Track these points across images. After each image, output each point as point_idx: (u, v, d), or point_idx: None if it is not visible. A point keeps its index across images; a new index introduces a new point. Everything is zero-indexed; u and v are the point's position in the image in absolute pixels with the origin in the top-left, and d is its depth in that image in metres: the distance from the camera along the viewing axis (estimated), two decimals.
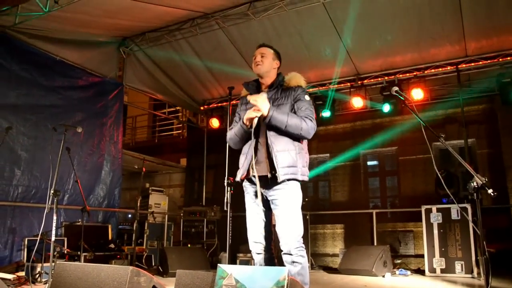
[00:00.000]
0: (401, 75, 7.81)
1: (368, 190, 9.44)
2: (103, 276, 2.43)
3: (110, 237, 7.09)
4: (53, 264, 4.39)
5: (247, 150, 3.02)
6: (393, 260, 7.07)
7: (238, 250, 8.08)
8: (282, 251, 2.84)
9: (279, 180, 2.83)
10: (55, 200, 4.46)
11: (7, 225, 5.95)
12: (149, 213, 7.92)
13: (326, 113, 8.29)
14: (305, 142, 3.08)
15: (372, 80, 8.11)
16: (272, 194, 2.92)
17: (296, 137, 2.95)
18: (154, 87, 8.89)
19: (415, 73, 7.72)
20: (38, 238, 4.81)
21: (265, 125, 2.94)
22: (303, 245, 2.86)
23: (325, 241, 8.93)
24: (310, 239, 8.06)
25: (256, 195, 2.94)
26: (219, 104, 9.74)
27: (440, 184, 6.82)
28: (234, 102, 9.11)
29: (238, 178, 3.06)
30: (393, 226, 8.33)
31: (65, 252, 5.79)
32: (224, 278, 2.07)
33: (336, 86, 8.34)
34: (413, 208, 7.18)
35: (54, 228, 4.45)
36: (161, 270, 6.48)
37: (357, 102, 8.08)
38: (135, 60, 8.33)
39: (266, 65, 3.10)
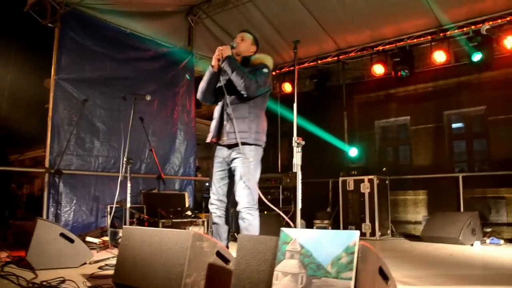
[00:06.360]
0: (490, 23, 6.93)
1: (453, 153, 8.78)
2: (166, 240, 2.38)
3: (187, 205, 7.24)
4: None
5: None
6: (483, 228, 6.48)
7: (315, 217, 7.94)
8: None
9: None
10: (128, 168, 4.57)
11: (92, 193, 6.31)
12: None
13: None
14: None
15: (456, 31, 7.31)
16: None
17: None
18: None
19: (508, 18, 6.77)
20: (114, 205, 4.97)
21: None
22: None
23: (406, 208, 8.45)
24: (390, 206, 7.66)
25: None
26: (291, 68, 9.41)
27: None
28: (303, 66, 8.89)
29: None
30: (482, 192, 7.60)
31: (144, 218, 5.99)
32: (288, 243, 1.89)
33: (415, 40, 7.65)
34: (508, 171, 6.49)
35: (128, 195, 4.59)
36: (236, 236, 6.50)
37: (439, 57, 7.36)
38: (204, 28, 8.24)
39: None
